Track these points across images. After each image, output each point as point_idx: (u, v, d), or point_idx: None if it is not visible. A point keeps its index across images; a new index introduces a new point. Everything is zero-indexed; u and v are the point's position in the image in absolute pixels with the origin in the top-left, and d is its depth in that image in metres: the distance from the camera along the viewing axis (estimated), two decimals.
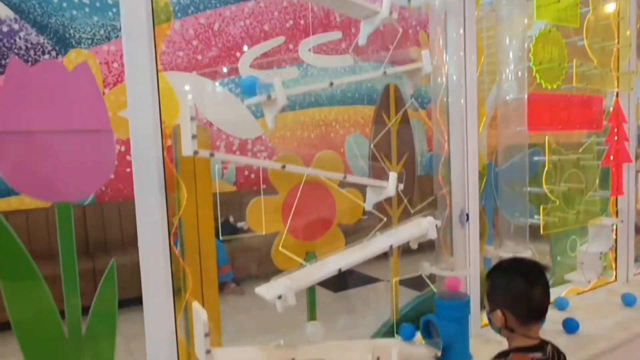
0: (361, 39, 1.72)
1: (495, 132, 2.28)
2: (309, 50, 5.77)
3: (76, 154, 1.49)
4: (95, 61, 4.63)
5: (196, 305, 1.41)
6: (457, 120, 1.98)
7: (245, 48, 5.38)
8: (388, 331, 2.54)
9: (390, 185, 1.67)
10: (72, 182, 1.50)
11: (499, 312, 1.32)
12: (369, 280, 4.95)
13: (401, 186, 1.72)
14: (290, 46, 5.66)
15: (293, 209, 1.74)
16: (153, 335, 1.37)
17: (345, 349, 1.66)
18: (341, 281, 4.86)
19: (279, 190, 1.91)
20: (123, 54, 1.39)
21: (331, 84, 1.60)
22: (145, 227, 1.37)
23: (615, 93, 2.47)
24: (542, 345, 1.32)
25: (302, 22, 5.71)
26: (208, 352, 1.36)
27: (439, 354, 1.82)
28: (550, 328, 2.03)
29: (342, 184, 1.92)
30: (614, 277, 2.74)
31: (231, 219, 5.09)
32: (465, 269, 1.94)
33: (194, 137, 1.32)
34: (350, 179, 1.61)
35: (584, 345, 1.96)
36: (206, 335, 1.35)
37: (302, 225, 1.92)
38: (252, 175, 5.43)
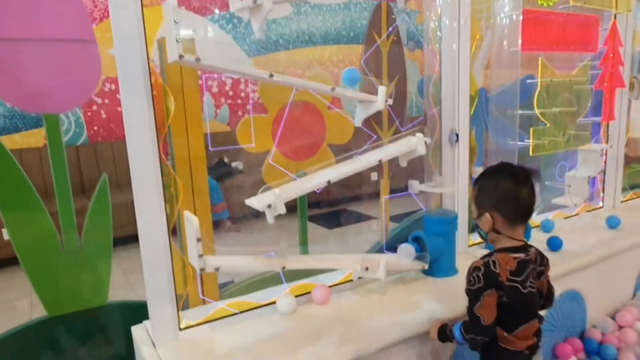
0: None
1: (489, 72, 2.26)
2: None
3: (62, 63, 1.47)
4: None
5: (188, 213, 1.44)
6: (448, 38, 1.95)
7: None
8: (378, 250, 2.62)
9: (380, 99, 1.67)
10: (59, 92, 1.49)
11: (487, 215, 1.35)
12: (362, 217, 5.04)
13: (390, 101, 1.71)
14: None
15: (282, 124, 1.74)
16: (147, 242, 1.40)
17: (336, 260, 1.72)
18: (335, 218, 4.95)
19: (268, 109, 1.91)
20: None
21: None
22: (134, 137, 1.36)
23: (613, 15, 2.41)
24: (526, 247, 1.37)
25: None
26: (201, 256, 1.40)
27: (426, 266, 1.88)
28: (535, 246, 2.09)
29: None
30: (600, 204, 2.79)
31: (226, 159, 5.10)
32: (453, 186, 1.97)
33: (178, 40, 1.30)
34: (339, 90, 1.60)
35: (566, 260, 2.03)
36: (198, 240, 1.38)
37: (293, 144, 1.92)
38: (247, 115, 5.38)
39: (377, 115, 2.16)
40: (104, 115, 4.79)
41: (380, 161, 1.72)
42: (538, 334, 1.37)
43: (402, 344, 1.53)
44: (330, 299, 1.73)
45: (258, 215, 1.54)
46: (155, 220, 1.40)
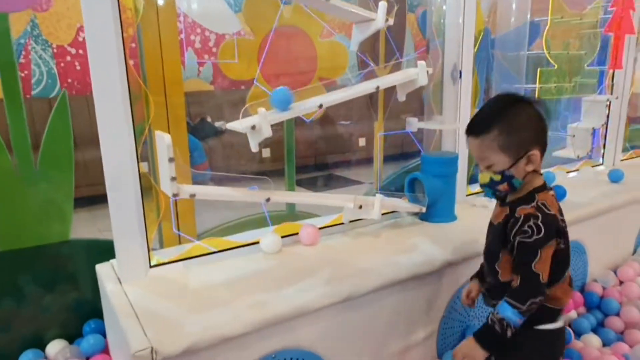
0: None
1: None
2: None
3: None
4: None
5: (159, 132, 1.25)
6: None
7: None
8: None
9: (380, 16, 1.48)
10: None
11: (534, 152, 1.09)
12: (350, 182, 4.89)
13: (391, 20, 1.53)
14: None
15: (267, 48, 1.55)
16: (111, 165, 1.22)
17: (326, 198, 1.56)
18: (323, 183, 4.79)
19: (254, 33, 1.71)
20: None
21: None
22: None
23: None
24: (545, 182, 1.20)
25: None
26: (174, 179, 1.23)
27: (424, 209, 1.73)
28: None
29: None
30: (600, 161, 2.68)
31: (209, 119, 4.88)
32: (455, 123, 1.82)
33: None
34: (335, 2, 1.41)
35: (569, 210, 1.89)
36: (170, 160, 1.21)
37: (280, 73, 1.74)
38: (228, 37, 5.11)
39: (374, 50, 1.98)
40: (78, 67, 4.50)
41: (377, 88, 1.55)
42: (572, 281, 1.20)
43: (397, 286, 1.39)
44: (319, 240, 1.58)
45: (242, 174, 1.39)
46: (120, 140, 1.22)
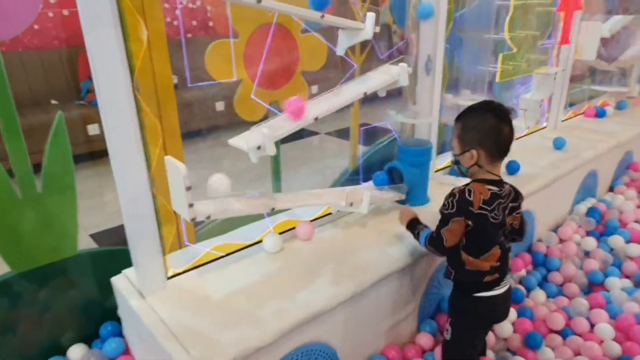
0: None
1: None
2: None
3: None
4: None
5: (171, 159, 1.30)
6: None
7: None
8: (347, 179, 2.62)
9: (368, 27, 1.55)
10: None
11: (473, 152, 1.38)
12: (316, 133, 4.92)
13: (377, 28, 1.60)
14: None
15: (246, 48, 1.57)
16: (125, 188, 1.27)
17: (321, 197, 1.69)
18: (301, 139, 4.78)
19: (240, 33, 1.71)
20: None
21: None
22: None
23: None
24: (502, 182, 1.43)
25: None
26: (191, 205, 1.30)
27: (404, 197, 1.91)
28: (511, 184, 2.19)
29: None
30: (545, 124, 2.96)
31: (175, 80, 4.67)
32: (430, 117, 1.97)
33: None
34: (328, 19, 1.46)
35: (524, 184, 2.15)
36: (188, 188, 1.28)
37: (266, 71, 1.77)
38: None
39: None
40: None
41: (365, 94, 1.65)
42: (503, 259, 1.46)
43: (391, 276, 1.59)
44: (314, 234, 1.73)
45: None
46: (134, 165, 1.26)
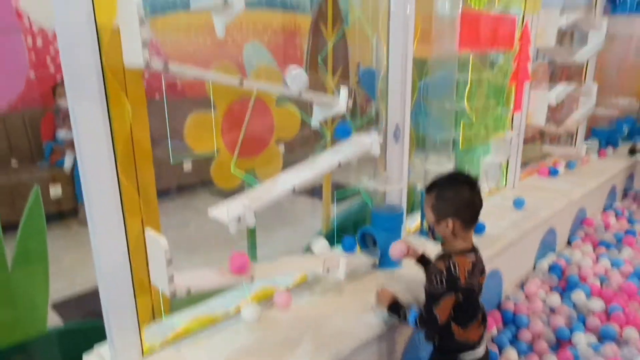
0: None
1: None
2: None
3: None
4: None
5: (151, 233, 1.30)
6: (397, 34, 1.96)
7: None
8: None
9: (342, 101, 1.64)
10: None
11: (449, 221, 1.43)
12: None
13: (350, 102, 1.69)
14: None
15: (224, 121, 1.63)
16: (104, 263, 1.25)
17: (299, 265, 1.70)
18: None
19: (217, 106, 1.77)
20: None
21: None
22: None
23: (522, 14, 2.63)
24: (475, 249, 1.50)
25: None
26: (172, 279, 1.29)
27: (377, 261, 1.96)
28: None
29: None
30: (504, 184, 3.12)
31: None
32: (400, 183, 2.05)
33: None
34: (306, 95, 1.54)
35: (488, 246, 2.25)
36: (169, 262, 1.27)
37: (242, 141, 1.82)
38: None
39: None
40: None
41: (339, 164, 1.72)
42: (484, 320, 1.53)
43: (369, 344, 1.59)
44: (292, 302, 1.73)
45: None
46: (115, 237, 1.26)
